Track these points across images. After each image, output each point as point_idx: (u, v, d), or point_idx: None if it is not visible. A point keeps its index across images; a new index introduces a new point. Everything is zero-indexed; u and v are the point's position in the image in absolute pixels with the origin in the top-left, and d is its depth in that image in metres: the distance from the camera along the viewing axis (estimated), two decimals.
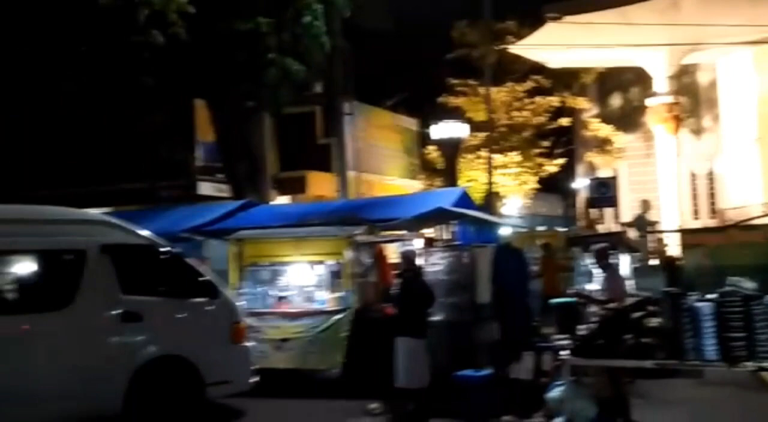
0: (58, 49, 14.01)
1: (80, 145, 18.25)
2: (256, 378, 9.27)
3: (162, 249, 9.13)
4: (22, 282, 8.29)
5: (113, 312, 8.32)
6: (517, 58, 24.37)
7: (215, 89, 14.90)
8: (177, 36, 13.14)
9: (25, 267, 8.33)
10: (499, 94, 24.76)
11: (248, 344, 9.42)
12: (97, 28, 13.19)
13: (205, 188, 19.15)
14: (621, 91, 27.66)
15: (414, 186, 24.10)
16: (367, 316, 10.30)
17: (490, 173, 21.18)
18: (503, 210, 24.10)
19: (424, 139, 25.62)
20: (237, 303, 9.56)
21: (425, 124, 24.64)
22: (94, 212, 10.75)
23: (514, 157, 25.46)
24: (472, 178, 24.02)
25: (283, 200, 19.60)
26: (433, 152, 26.03)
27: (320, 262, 10.92)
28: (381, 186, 21.94)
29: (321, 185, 20.80)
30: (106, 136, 15.64)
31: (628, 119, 26.75)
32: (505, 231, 13.25)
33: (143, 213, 13.89)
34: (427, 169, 26.25)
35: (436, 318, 9.48)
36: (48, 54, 14.12)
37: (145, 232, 9.20)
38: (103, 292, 8.32)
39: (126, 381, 8.24)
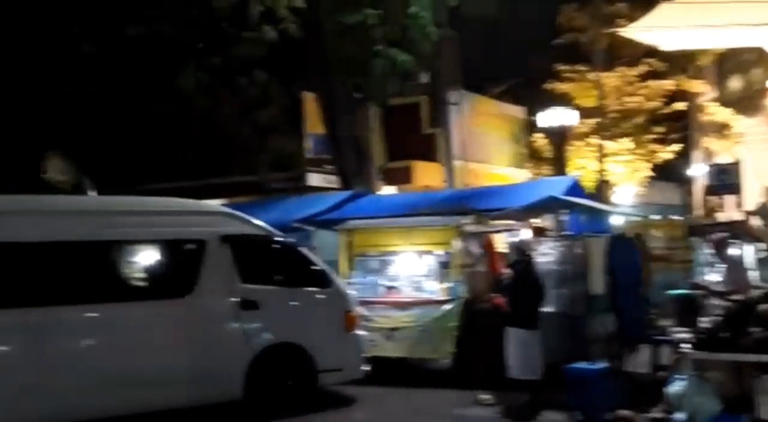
0: (174, 46, 14.63)
1: (194, 139, 18.97)
2: (368, 367, 9.42)
3: (277, 239, 9.41)
4: (147, 271, 8.76)
5: (232, 300, 8.65)
6: (629, 42, 23.48)
7: (324, 82, 15.16)
8: (287, 31, 13.44)
9: (150, 256, 8.78)
10: (610, 79, 24.01)
11: (359, 333, 9.58)
12: (212, 25, 13.67)
13: (314, 179, 19.53)
14: (740, 73, 26.21)
15: (521, 175, 23.74)
16: (476, 307, 10.26)
17: (601, 161, 20.56)
18: (614, 198, 23.40)
19: (531, 127, 25.17)
20: (349, 293, 9.73)
21: (532, 111, 24.21)
22: (213, 203, 11.17)
23: (626, 143, 24.64)
24: (581, 166, 23.43)
25: (389, 190, 19.72)
26: (540, 140, 25.54)
27: (429, 252, 10.95)
28: (488, 175, 21.71)
29: (427, 175, 20.80)
30: (219, 129, 16.18)
31: (749, 102, 25.34)
32: (618, 221, 12.86)
33: (255, 205, 14.31)
34: (534, 157, 25.79)
35: (546, 309, 9.34)
36: (164, 50, 14.75)
37: (260, 223, 9.51)
38: (223, 281, 8.65)
39: (245, 367, 8.55)
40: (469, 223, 10.67)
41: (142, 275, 8.71)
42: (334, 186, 17.58)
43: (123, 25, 14.11)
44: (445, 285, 10.56)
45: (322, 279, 9.37)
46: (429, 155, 20.84)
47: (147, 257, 8.80)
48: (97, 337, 7.98)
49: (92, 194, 19.25)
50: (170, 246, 8.74)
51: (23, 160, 19.88)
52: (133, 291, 8.52)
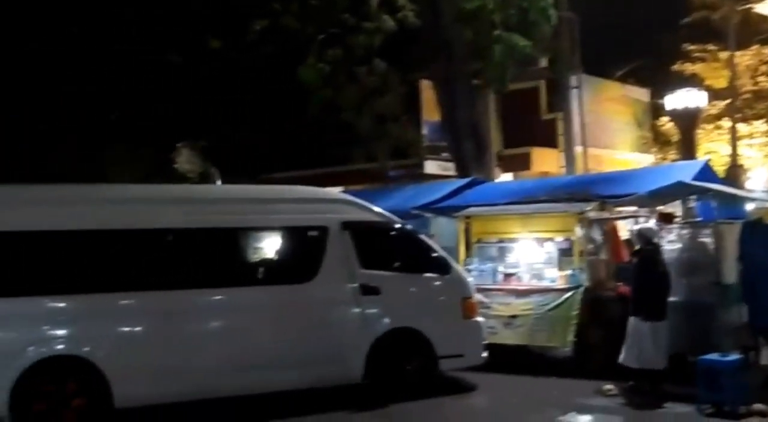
0: (296, 38, 15.02)
1: (315, 128, 19.44)
2: (487, 354, 9.40)
3: (397, 226, 9.52)
4: (273, 257, 9.09)
5: (353, 286, 8.84)
6: (764, 19, 22.14)
7: (442, 69, 15.14)
8: (406, 19, 13.51)
9: (275, 242, 9.10)
10: (743, 58, 22.69)
11: (479, 319, 9.57)
12: (333, 17, 13.95)
13: (431, 167, 19.60)
14: None
15: (646, 160, 22.87)
16: (598, 295, 10.02)
17: (734, 144, 19.49)
18: (748, 184, 22.13)
19: (656, 110, 24.17)
20: (468, 279, 9.72)
21: (657, 94, 23.23)
22: (335, 191, 11.43)
23: (761, 126, 23.24)
24: (711, 150, 22.29)
25: (506, 177, 19.52)
26: (666, 124, 24.48)
27: (549, 239, 10.77)
28: (610, 161, 21.06)
29: (545, 161, 20.42)
30: (339, 119, 16.51)
31: None
32: (753, 207, 12.16)
33: (374, 192, 14.52)
34: (659, 141, 24.77)
35: (672, 298, 8.99)
36: (287, 43, 15.17)
37: (380, 210, 9.65)
38: (344, 266, 8.85)
39: (365, 351, 8.73)
40: (591, 210, 10.42)
41: (268, 261, 9.05)
42: (450, 173, 17.58)
43: (249, 20, 14.62)
44: (566, 272, 10.35)
45: (441, 266, 9.41)
46: (547, 141, 20.45)
47: (272, 243, 9.13)
48: (226, 320, 8.36)
49: (218, 183, 20.16)
50: (294, 233, 9.02)
51: (156, 151, 21.00)
52: (260, 276, 8.86)
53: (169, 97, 19.02)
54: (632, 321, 8.69)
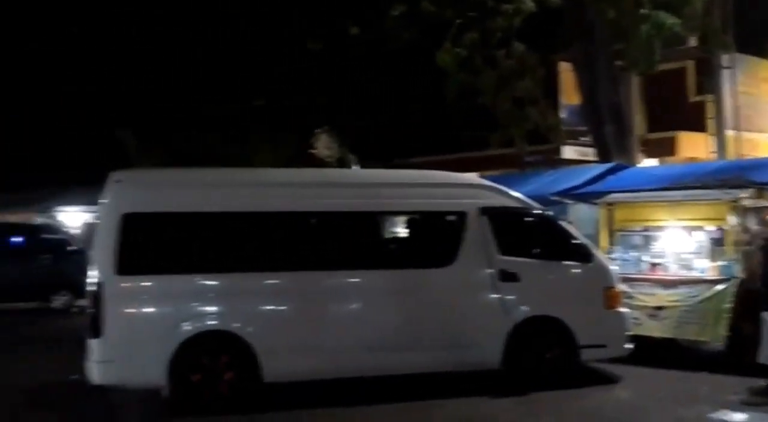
0: (433, 23, 15.00)
1: (451, 113, 19.39)
2: (631, 345, 9.09)
3: (536, 212, 9.36)
4: (412, 240, 9.18)
5: (491, 271, 8.77)
6: None
7: (584, 50, 14.68)
8: (545, 0, 13.18)
9: (415, 226, 9.18)
10: None
11: (623, 310, 9.26)
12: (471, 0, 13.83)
13: (569, 152, 19.09)
14: None
15: None
16: (753, 287, 9.43)
17: None
18: None
19: None
20: (611, 268, 9.42)
21: None
22: (473, 176, 11.37)
23: None
24: None
25: (650, 163, 18.70)
26: None
27: (699, 228, 10.23)
28: (767, 146, 19.74)
29: (693, 146, 19.39)
30: (476, 103, 16.37)
31: None
32: None
33: (511, 178, 14.32)
34: None
35: None
36: (424, 27, 15.17)
37: (518, 195, 9.50)
38: (483, 252, 8.80)
39: (504, 338, 8.66)
40: (747, 197, 9.80)
41: (408, 245, 9.14)
42: (589, 158, 17.05)
43: (387, 6, 14.73)
44: (718, 263, 9.82)
45: (582, 254, 9.17)
46: (695, 125, 19.41)
47: (411, 228, 9.22)
48: (368, 301, 8.53)
49: (355, 168, 20.55)
50: (432, 218, 9.08)
51: (296, 137, 21.67)
52: (400, 260, 8.98)
53: (310, 84, 19.55)
54: (765, 316, 8.20)
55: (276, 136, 21.18)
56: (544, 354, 8.81)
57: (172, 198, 8.32)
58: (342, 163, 21.85)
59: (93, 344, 7.88)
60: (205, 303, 8.15)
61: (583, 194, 12.08)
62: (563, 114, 19.00)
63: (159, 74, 20.73)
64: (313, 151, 22.80)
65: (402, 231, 9.23)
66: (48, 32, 23.15)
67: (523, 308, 8.79)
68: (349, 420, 7.92)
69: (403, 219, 9.21)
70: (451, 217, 9.03)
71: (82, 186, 22.89)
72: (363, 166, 19.86)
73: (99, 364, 7.88)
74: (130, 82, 21.40)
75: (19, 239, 19.07)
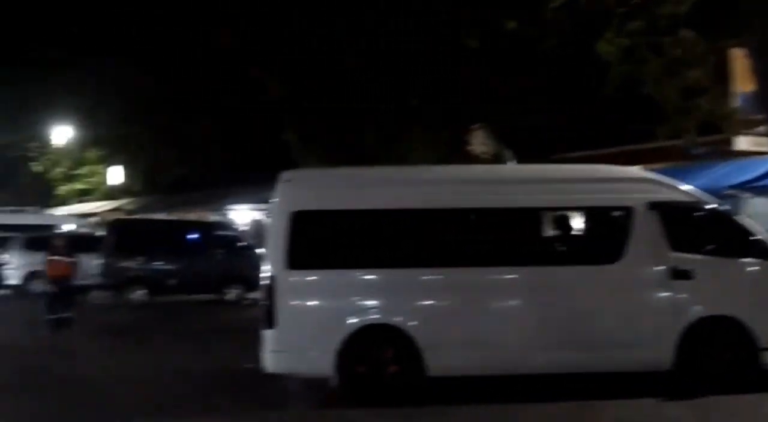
0: (593, 13, 14.54)
1: (611, 106, 18.72)
2: None
3: (709, 207, 8.88)
4: (576, 236, 9.00)
5: (662, 269, 8.41)
6: None
7: (762, 34, 13.71)
8: None
9: (579, 222, 8.99)
10: None
11: None
12: None
13: (743, 143, 17.89)
14: None
15: None
16: None
17: None
18: None
19: None
20: None
21: None
22: (638, 170, 10.95)
23: None
24: None
25: None
26: None
27: None
28: None
29: None
30: (640, 94, 15.71)
31: None
32: None
33: (678, 171, 13.68)
34: None
35: None
36: (582, 18, 14.75)
37: (689, 189, 9.06)
38: (652, 248, 8.47)
39: (676, 338, 8.29)
40: None
41: (572, 240, 8.99)
42: (766, 149, 15.93)
43: None
44: None
45: (761, 250, 8.59)
46: None
47: (576, 223, 9.06)
48: (531, 298, 8.44)
49: (512, 164, 20.34)
50: (598, 213, 8.89)
51: (452, 133, 21.75)
52: (564, 256, 8.85)
53: (465, 80, 19.56)
54: None
55: (431, 133, 21.37)
56: (720, 356, 8.35)
57: (339, 196, 8.65)
58: (498, 159, 21.68)
59: (267, 335, 8.34)
60: (370, 297, 8.42)
61: (763, 187, 11.32)
62: (737, 103, 17.84)
63: (319, 76, 21.50)
64: (468, 148, 22.79)
65: (567, 227, 9.04)
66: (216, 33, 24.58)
67: (697, 307, 8.37)
68: (512, 419, 7.87)
69: (568, 214, 9.03)
70: (618, 213, 8.76)
71: (251, 185, 24.25)
72: (519, 162, 19.61)
73: (272, 354, 8.34)
74: (293, 85, 22.35)
75: (196, 236, 20.49)
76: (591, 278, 8.48)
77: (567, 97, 20.00)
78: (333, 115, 21.55)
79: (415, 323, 8.24)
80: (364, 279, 8.52)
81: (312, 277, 8.45)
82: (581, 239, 8.97)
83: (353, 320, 8.26)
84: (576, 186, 8.84)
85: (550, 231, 9.06)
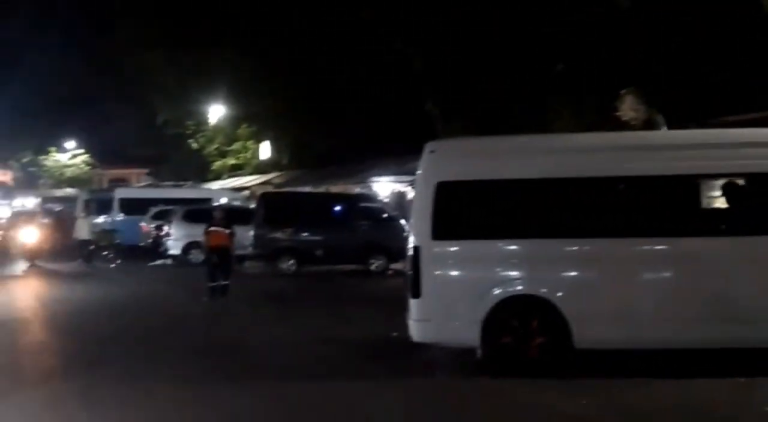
0: None
1: None
2: None
3: None
4: (737, 205, 8.42)
5: None
6: None
7: None
8: None
9: (744, 190, 8.39)
10: None
11: None
12: None
13: None
14: None
15: None
16: None
17: None
18: None
19: None
20: None
21: None
22: None
23: None
24: None
25: None
26: None
27: None
28: None
29: None
30: None
31: None
32: None
33: None
34: None
35: None
36: None
37: None
38: None
39: None
40: None
41: (736, 210, 8.43)
42: None
43: None
44: None
45: None
46: None
47: (740, 191, 8.45)
48: (686, 269, 8.03)
49: (664, 130, 19.32)
50: (761, 181, 8.24)
51: (599, 99, 20.94)
52: (726, 226, 8.37)
53: (613, 44, 18.73)
54: None
55: (576, 100, 20.66)
56: None
57: (483, 166, 8.53)
58: (649, 125, 20.66)
59: (412, 304, 8.44)
60: (514, 267, 8.32)
61: None
62: None
63: (462, 46, 21.30)
64: (617, 114, 21.84)
65: (729, 196, 8.47)
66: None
67: None
68: (669, 393, 7.56)
69: (730, 182, 8.46)
70: None
71: (393, 158, 24.53)
72: (671, 128, 18.60)
73: (418, 323, 8.43)
74: (436, 56, 22.31)
75: (341, 208, 21.02)
76: (751, 250, 7.95)
77: (727, 55, 18.71)
78: (476, 85, 21.33)
79: (562, 294, 8.08)
80: (510, 249, 8.42)
81: (456, 247, 8.43)
82: (741, 208, 8.38)
83: (498, 291, 8.19)
84: (738, 151, 8.25)
85: (708, 200, 8.55)
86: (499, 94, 21.45)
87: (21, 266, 21.87)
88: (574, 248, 8.27)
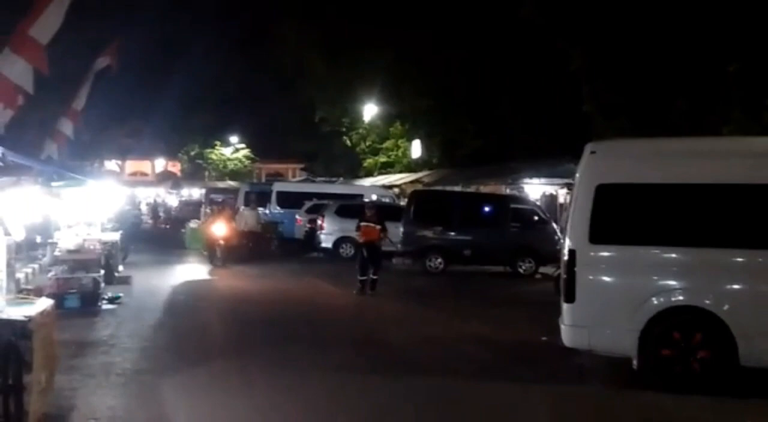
0: None
1: None
2: None
3: None
4: None
5: None
6: None
7: None
8: None
9: None
10: None
11: None
12: None
13: None
14: None
15: None
16: None
17: None
18: None
19: None
20: None
21: None
22: None
23: None
24: None
25: None
26: None
27: None
28: None
29: None
30: None
31: None
32: None
33: None
34: None
35: None
36: None
37: None
38: None
39: None
40: None
41: None
42: None
43: None
44: None
45: None
46: None
47: None
48: None
49: None
50: None
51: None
52: None
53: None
54: None
55: (752, 102, 19.28)
56: None
57: (646, 169, 8.17)
58: None
59: (566, 308, 8.22)
60: (675, 276, 7.92)
61: None
62: None
63: (624, 43, 20.52)
64: None
65: None
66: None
67: None
68: None
69: None
70: None
71: (545, 159, 24.00)
72: None
73: (571, 328, 8.21)
74: (597, 54, 21.64)
75: (491, 208, 20.81)
76: None
77: None
78: (637, 84, 20.48)
79: (728, 307, 7.60)
80: (671, 257, 8.01)
81: (615, 252, 8.14)
82: None
83: (658, 300, 7.82)
84: None
85: None
86: (663, 94, 20.46)
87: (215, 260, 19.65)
88: (743, 259, 7.77)
